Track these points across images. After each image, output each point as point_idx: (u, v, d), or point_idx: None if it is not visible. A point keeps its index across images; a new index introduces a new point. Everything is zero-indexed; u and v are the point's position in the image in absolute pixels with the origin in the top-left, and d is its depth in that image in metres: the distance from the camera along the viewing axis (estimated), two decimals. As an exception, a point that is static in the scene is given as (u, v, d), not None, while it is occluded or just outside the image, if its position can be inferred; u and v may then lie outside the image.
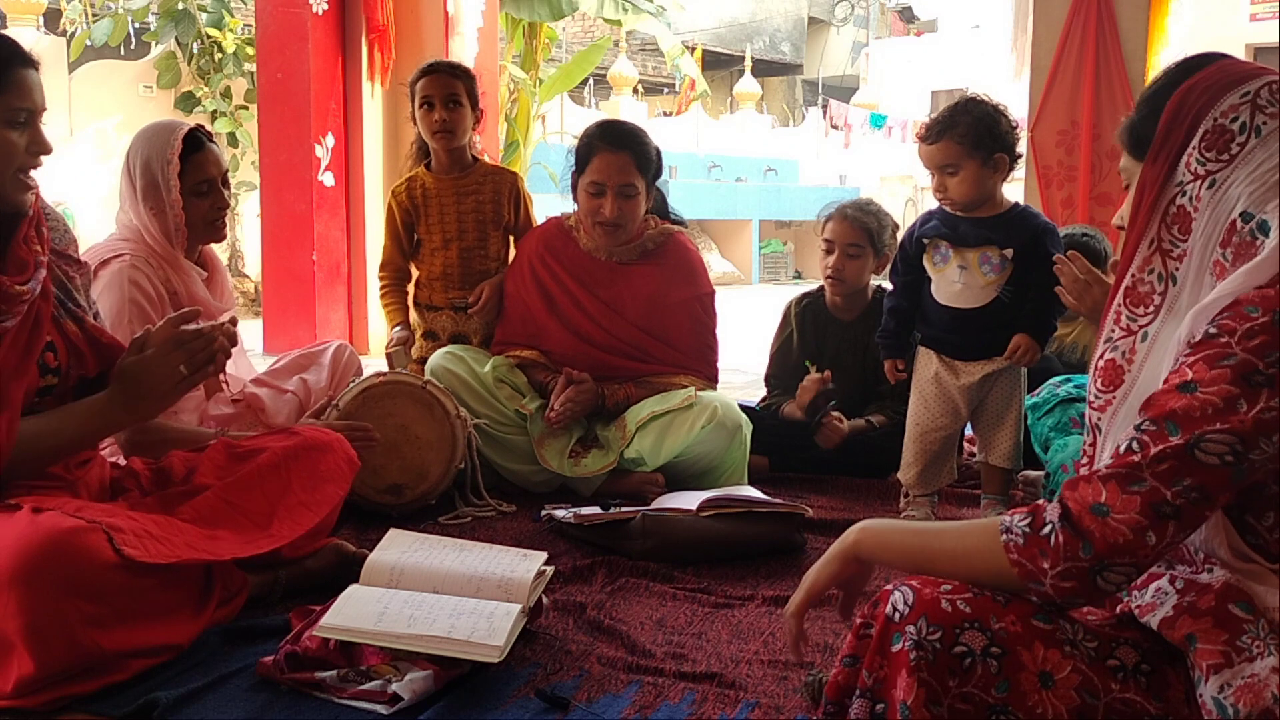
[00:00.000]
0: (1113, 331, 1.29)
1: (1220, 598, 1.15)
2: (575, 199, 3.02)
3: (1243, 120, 1.20)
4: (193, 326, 1.92)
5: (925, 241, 2.60)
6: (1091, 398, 1.29)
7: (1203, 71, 1.26)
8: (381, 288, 3.36)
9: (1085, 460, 1.30)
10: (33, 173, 1.82)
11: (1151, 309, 1.25)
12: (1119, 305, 1.29)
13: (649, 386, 2.96)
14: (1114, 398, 1.26)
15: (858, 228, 3.14)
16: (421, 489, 2.70)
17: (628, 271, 3.02)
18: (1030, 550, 1.15)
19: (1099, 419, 1.27)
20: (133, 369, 1.88)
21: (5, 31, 1.85)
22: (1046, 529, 1.14)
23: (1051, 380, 2.89)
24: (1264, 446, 1.10)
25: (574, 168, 3.00)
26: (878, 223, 3.17)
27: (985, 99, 2.54)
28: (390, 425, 2.66)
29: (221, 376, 2.54)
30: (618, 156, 2.90)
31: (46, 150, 1.81)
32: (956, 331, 2.59)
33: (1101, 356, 1.29)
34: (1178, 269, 1.24)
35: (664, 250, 3.05)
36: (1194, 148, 1.23)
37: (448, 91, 3.12)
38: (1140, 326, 1.26)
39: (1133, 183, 1.34)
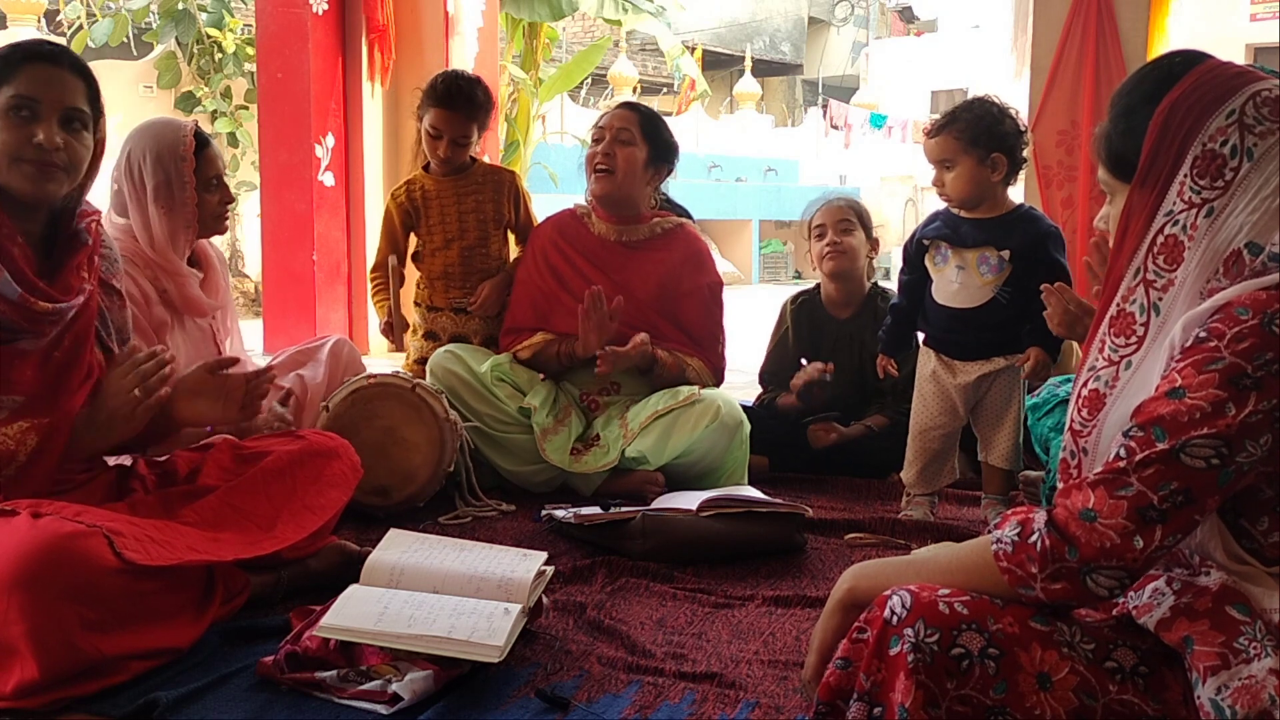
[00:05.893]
0: (1096, 361, 1.29)
1: (1217, 600, 1.16)
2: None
3: (1233, 143, 1.19)
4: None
5: (926, 242, 2.62)
6: (1077, 426, 1.29)
7: (1182, 86, 1.24)
8: (373, 289, 3.35)
9: (1061, 477, 1.30)
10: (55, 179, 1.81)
11: (1134, 340, 1.25)
12: (1103, 334, 1.29)
13: (671, 356, 2.99)
14: (1097, 422, 1.26)
15: (845, 206, 3.25)
16: (409, 491, 2.69)
17: (638, 255, 3.08)
18: (1018, 557, 1.16)
19: (1084, 443, 1.28)
20: (97, 392, 1.90)
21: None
22: (1034, 536, 1.16)
23: (1051, 380, 2.89)
24: (1250, 449, 1.10)
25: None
26: (862, 207, 3.30)
27: (994, 100, 2.55)
28: (378, 427, 2.66)
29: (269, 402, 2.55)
30: (622, 112, 3.08)
31: (50, 144, 1.77)
32: (954, 331, 2.59)
33: (1085, 385, 1.29)
34: (1160, 299, 1.23)
35: (673, 237, 3.11)
36: (1185, 175, 1.21)
37: (459, 133, 3.14)
38: (1123, 356, 1.26)
39: (1114, 196, 1.33)
